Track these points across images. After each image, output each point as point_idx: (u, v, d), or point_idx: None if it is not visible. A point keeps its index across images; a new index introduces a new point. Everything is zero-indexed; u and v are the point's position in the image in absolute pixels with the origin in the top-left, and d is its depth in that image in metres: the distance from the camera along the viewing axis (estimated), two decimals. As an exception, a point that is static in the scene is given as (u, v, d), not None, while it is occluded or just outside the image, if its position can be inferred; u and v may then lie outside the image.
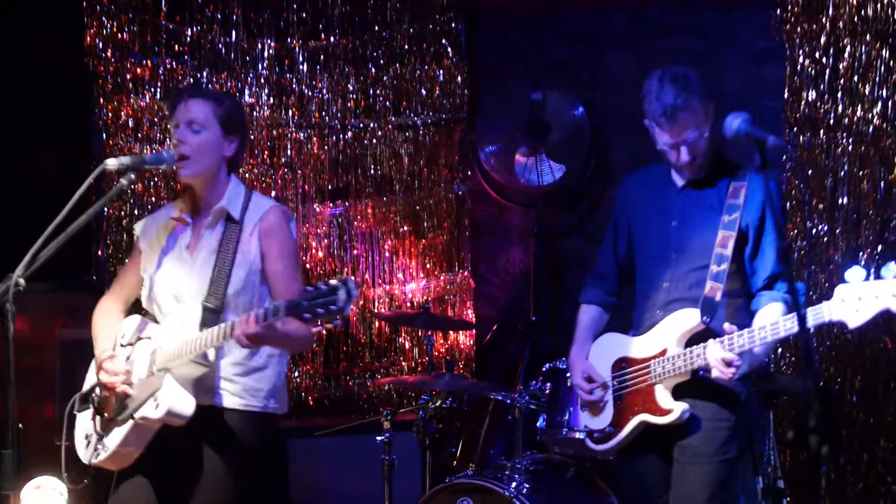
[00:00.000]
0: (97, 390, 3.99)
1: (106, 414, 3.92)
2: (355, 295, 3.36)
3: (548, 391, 5.08)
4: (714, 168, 4.07)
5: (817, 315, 3.56)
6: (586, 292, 4.47)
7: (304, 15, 6.92)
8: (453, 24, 6.95)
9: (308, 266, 6.89)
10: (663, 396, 3.97)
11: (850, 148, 5.85)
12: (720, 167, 4.07)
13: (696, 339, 3.93)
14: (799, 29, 5.96)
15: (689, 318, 3.95)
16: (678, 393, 3.97)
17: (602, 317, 4.42)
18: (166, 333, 3.90)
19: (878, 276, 3.40)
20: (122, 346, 4.01)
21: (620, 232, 4.36)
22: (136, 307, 4.19)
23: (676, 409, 3.94)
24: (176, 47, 6.65)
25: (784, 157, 5.80)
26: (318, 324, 3.46)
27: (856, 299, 3.44)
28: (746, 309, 4.01)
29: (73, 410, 4.08)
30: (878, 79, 5.76)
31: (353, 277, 3.48)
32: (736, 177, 4.03)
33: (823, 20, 5.87)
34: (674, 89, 3.91)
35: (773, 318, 3.77)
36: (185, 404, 3.78)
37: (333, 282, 3.37)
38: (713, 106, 3.99)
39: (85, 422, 4.04)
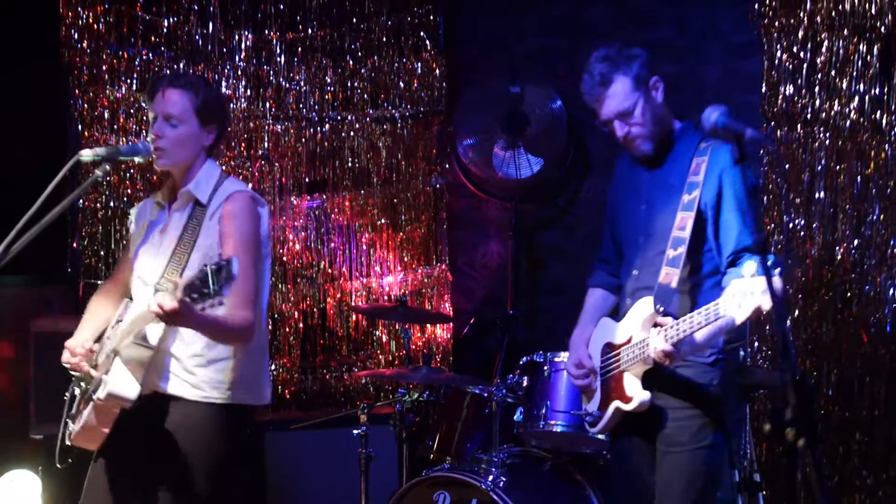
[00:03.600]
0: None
1: (85, 395, 3.93)
2: (235, 274, 3.26)
3: (525, 384, 5.08)
4: (675, 145, 4.06)
5: (716, 312, 3.58)
6: (591, 276, 4.46)
7: (281, 7, 6.90)
8: (431, 17, 6.94)
9: (285, 259, 6.88)
10: (630, 383, 3.97)
11: (827, 142, 5.86)
12: (685, 144, 4.05)
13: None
14: (777, 23, 5.96)
15: (645, 307, 3.95)
16: (651, 381, 3.96)
17: (607, 299, 4.39)
18: (128, 315, 3.89)
19: (763, 273, 3.39)
20: (112, 327, 4.00)
21: (615, 216, 4.36)
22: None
23: (637, 396, 3.94)
24: (152, 38, 6.62)
25: (761, 151, 5.80)
26: (203, 306, 3.33)
27: (741, 294, 3.45)
28: (714, 290, 3.93)
29: (75, 391, 4.08)
30: (855, 73, 5.77)
31: (237, 258, 3.32)
32: (698, 151, 4.00)
33: (801, 14, 5.88)
34: (601, 65, 4.01)
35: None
36: (127, 388, 3.72)
37: (216, 263, 3.27)
38: (651, 78, 4.00)
39: (73, 403, 4.06)
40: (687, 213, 3.93)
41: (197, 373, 3.88)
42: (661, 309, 3.89)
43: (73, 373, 3.98)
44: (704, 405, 3.97)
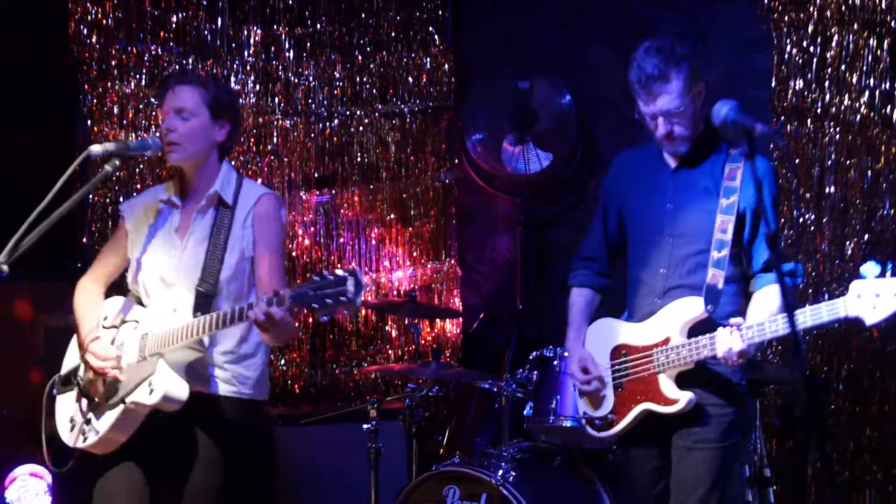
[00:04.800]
0: (81, 372, 3.98)
1: (96, 398, 3.90)
2: (364, 285, 3.35)
3: (535, 379, 5.08)
4: (707, 148, 4.04)
5: (832, 311, 3.55)
6: (576, 276, 4.42)
7: (290, 2, 6.90)
8: (440, 12, 6.94)
9: (294, 254, 6.88)
10: (668, 386, 3.94)
11: (837, 137, 5.84)
12: (713, 147, 4.04)
13: (697, 327, 3.91)
14: (786, 18, 5.94)
15: (692, 307, 3.91)
16: (680, 380, 3.94)
17: (594, 299, 4.38)
18: (155, 317, 3.88)
19: (895, 274, 3.37)
20: (104, 327, 4.00)
21: (610, 213, 4.31)
22: (116, 289, 4.18)
23: (682, 398, 3.91)
24: (161, 34, 6.62)
25: (771, 147, 5.78)
26: (326, 314, 3.44)
27: (873, 296, 3.41)
28: (744, 293, 4.00)
29: (53, 392, 4.07)
30: (865, 68, 5.75)
31: (360, 268, 3.47)
32: (731, 157, 4.00)
33: (811, 9, 5.86)
34: (656, 59, 3.91)
35: (775, 304, 3.77)
36: (181, 389, 3.78)
37: (339, 272, 3.36)
38: (703, 82, 3.98)
39: (68, 404, 4.02)
40: (727, 216, 3.93)
41: (228, 369, 3.94)
42: (712, 310, 3.88)
43: (82, 374, 3.96)
44: (734, 402, 3.97)
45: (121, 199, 6.43)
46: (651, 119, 3.99)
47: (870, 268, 3.39)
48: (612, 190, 4.35)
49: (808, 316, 3.57)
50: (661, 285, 4.05)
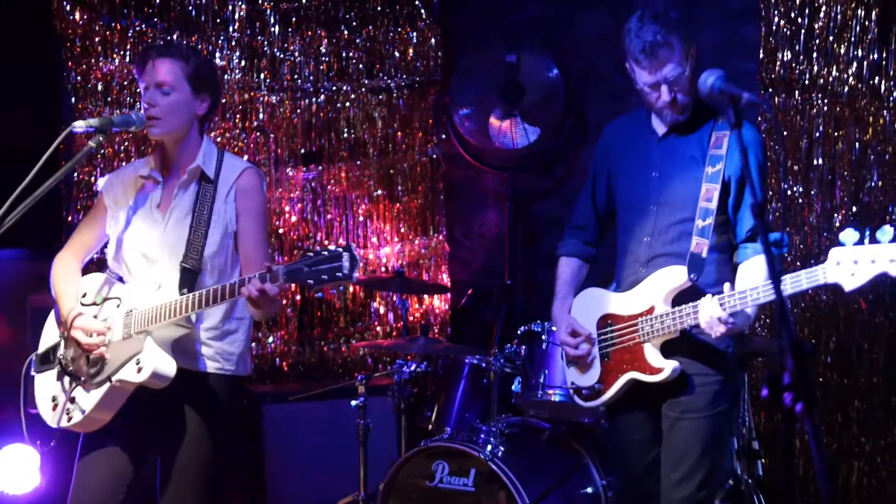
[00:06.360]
0: (62, 350, 3.95)
1: (81, 377, 3.87)
2: (359, 260, 3.37)
3: (523, 354, 5.08)
4: (696, 116, 4.02)
5: (812, 277, 3.53)
6: (565, 244, 4.42)
7: (275, -24, 6.85)
8: (426, -15, 6.91)
9: (281, 231, 6.85)
10: (653, 355, 3.95)
11: (825, 109, 5.83)
12: (702, 116, 4.03)
13: (682, 295, 3.91)
14: (774, -11, 5.93)
15: (676, 276, 3.92)
16: (666, 349, 3.95)
17: (582, 269, 4.38)
18: (139, 294, 3.86)
19: (873, 240, 3.37)
20: (83, 304, 3.97)
21: (599, 181, 4.31)
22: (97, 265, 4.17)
23: (667, 367, 3.91)
24: (145, 9, 6.55)
25: (759, 118, 5.77)
26: (320, 289, 3.48)
27: (851, 262, 3.41)
28: (729, 262, 4.00)
29: (31, 372, 4.04)
30: (853, 39, 5.73)
31: (353, 244, 3.51)
32: (718, 125, 3.99)
33: (799, -20, 5.85)
34: (654, 26, 3.87)
35: (762, 275, 3.76)
36: (169, 366, 3.77)
37: (332, 247, 3.39)
38: (695, 47, 3.95)
39: (49, 383, 3.99)
40: (712, 184, 3.93)
41: (212, 345, 3.94)
42: (695, 278, 3.87)
43: (63, 352, 3.94)
44: (721, 371, 3.97)
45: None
46: (652, 89, 3.95)
47: (849, 234, 3.38)
48: (601, 158, 4.34)
49: (789, 283, 3.56)
50: (645, 254, 4.06)
